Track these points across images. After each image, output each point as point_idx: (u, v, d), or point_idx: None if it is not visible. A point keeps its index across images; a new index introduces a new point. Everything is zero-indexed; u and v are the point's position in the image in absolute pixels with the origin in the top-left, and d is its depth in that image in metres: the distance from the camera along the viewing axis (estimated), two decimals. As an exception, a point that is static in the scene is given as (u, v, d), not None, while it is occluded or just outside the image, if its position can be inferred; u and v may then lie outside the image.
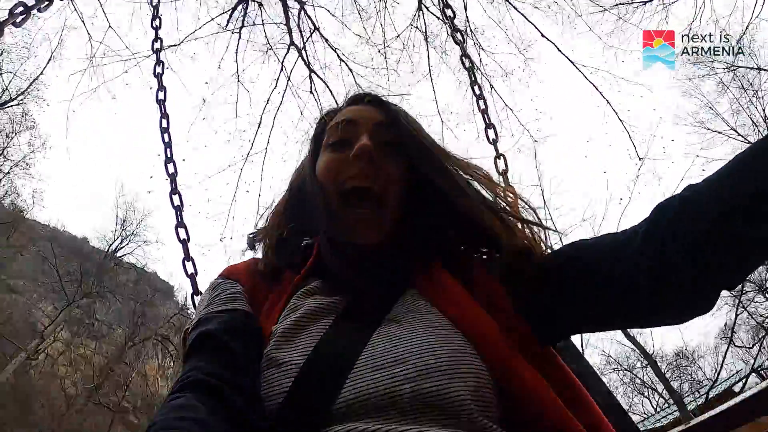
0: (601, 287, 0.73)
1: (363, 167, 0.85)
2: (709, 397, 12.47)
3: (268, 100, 8.12)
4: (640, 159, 10.75)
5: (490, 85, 8.47)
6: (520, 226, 0.87)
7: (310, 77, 8.17)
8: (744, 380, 13.08)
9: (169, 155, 2.46)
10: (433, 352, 0.68)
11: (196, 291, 2.25)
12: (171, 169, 2.46)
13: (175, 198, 2.38)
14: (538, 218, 0.90)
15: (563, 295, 0.77)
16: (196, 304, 0.92)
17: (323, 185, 0.88)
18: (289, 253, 0.92)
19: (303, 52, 7.97)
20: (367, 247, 0.85)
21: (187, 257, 2.30)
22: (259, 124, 8.15)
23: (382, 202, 0.85)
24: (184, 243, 2.32)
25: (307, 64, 8.08)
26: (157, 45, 2.89)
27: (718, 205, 0.61)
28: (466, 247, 0.92)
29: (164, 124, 2.55)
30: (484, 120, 2.68)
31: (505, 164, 2.56)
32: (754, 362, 12.21)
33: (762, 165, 0.60)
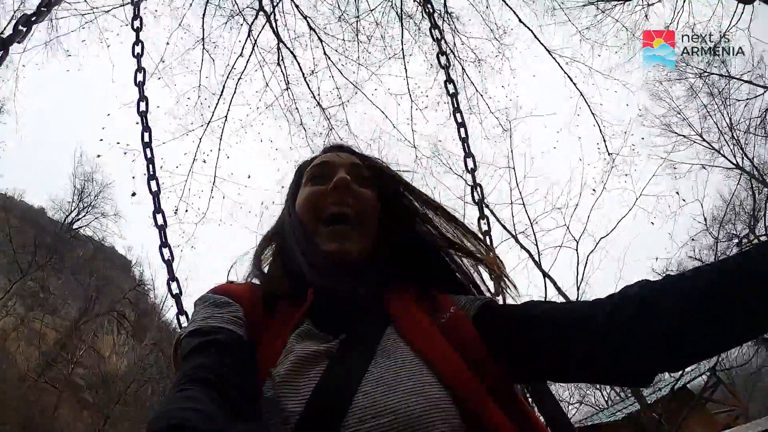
0: (559, 350, 0.81)
1: (341, 196, 0.96)
2: (675, 387, 13.03)
3: (233, 66, 7.95)
4: (609, 154, 11.05)
5: (463, 69, 8.51)
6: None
7: (278, 48, 8.01)
8: (707, 378, 13.87)
9: (152, 172, 2.37)
10: (414, 404, 0.72)
11: (180, 310, 2.22)
12: (154, 187, 2.37)
13: (159, 217, 2.31)
14: (498, 268, 1.03)
15: (524, 344, 0.84)
16: (191, 314, 0.92)
17: (303, 213, 0.99)
18: (278, 283, 0.97)
19: (272, 18, 7.77)
20: (346, 263, 0.93)
21: (172, 278, 2.25)
22: (221, 92, 7.95)
23: (359, 222, 0.96)
24: (169, 263, 2.27)
25: (276, 33, 7.88)
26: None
27: (676, 310, 0.70)
28: (433, 278, 1.01)
29: (146, 138, 2.44)
30: (464, 148, 2.64)
31: (481, 193, 2.57)
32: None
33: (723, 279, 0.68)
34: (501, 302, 0.99)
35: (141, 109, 2.45)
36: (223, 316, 0.86)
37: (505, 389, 0.82)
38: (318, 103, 8.37)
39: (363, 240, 0.96)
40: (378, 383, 0.75)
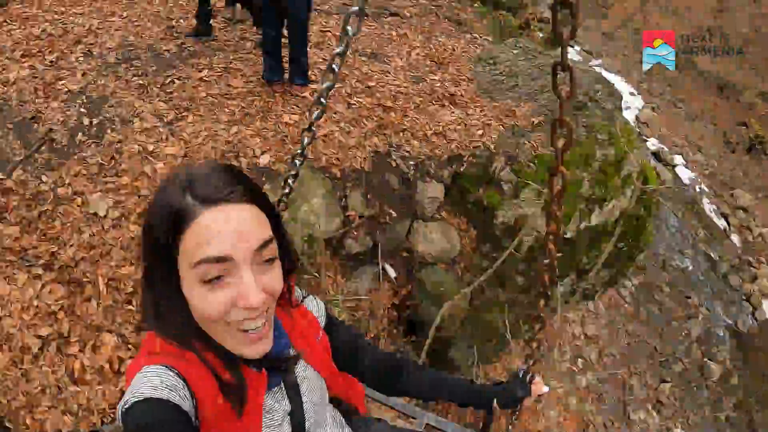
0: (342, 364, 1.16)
1: (255, 313, 0.79)
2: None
3: None
4: None
5: None
6: None
7: None
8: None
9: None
10: (327, 416, 1.10)
11: None
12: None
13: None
14: None
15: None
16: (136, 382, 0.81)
17: (204, 323, 0.81)
18: (221, 374, 0.85)
19: None
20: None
21: None
22: None
23: (271, 318, 0.85)
24: None
25: None
26: None
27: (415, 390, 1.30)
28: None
29: None
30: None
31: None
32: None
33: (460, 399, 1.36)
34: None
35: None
36: (179, 401, 0.78)
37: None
38: None
39: (272, 330, 0.87)
40: (309, 412, 1.00)
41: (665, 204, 9.84)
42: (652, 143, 12.01)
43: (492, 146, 4.18)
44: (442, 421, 2.13)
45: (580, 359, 6.88)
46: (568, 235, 3.97)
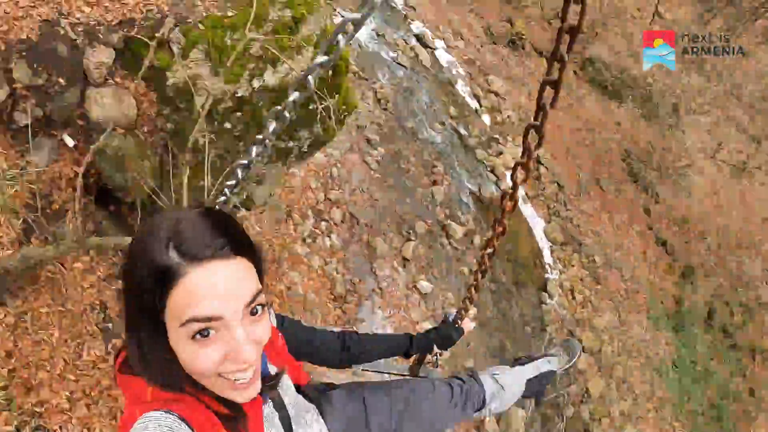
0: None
1: (246, 365, 0.81)
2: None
3: None
4: None
5: None
6: None
7: None
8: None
9: None
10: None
11: None
12: None
13: None
14: None
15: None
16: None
17: (196, 375, 0.82)
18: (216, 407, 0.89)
19: None
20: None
21: None
22: None
23: (260, 363, 0.87)
24: None
25: None
26: None
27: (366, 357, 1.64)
28: None
29: None
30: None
31: None
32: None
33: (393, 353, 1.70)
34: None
35: None
36: None
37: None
38: None
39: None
40: (293, 415, 1.15)
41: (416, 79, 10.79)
42: (416, 26, 12.82)
43: (165, 8, 4.26)
44: (375, 362, 2.48)
45: (323, 222, 7.64)
46: (240, 94, 4.31)
